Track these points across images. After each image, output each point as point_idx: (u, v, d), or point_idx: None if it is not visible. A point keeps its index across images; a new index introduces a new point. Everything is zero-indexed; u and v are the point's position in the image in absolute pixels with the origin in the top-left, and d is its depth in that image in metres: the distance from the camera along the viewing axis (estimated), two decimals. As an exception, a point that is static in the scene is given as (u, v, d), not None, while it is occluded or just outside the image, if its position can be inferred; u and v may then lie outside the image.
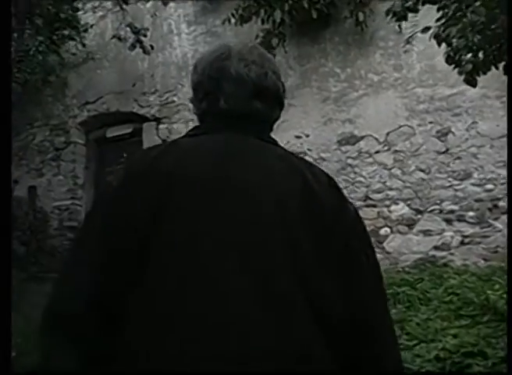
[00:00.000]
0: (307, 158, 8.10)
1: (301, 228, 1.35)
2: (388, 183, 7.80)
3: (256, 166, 1.42)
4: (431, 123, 7.62)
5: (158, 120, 9.85)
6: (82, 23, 9.60)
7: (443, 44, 4.37)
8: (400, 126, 7.81)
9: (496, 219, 7.07)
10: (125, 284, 1.29)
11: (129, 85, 10.10)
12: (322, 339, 1.30)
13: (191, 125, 7.14)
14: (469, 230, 7.20)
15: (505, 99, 6.48)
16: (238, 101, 1.47)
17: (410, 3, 4.64)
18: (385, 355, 1.42)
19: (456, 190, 7.32)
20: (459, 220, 7.27)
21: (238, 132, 1.46)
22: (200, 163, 1.39)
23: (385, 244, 7.71)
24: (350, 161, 8.10)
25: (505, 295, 4.82)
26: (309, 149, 8.36)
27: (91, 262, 1.34)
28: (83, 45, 9.58)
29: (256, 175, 1.39)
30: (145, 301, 1.28)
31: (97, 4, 10.54)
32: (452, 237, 7.27)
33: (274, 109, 1.56)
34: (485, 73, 4.29)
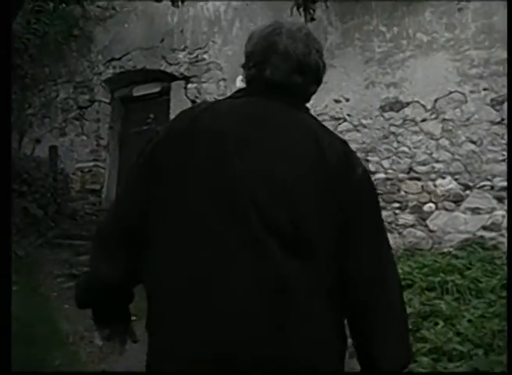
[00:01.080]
0: (346, 124, 7.93)
1: (308, 191, 1.55)
2: (434, 155, 7.40)
3: (275, 130, 1.64)
4: (485, 89, 7.14)
5: (187, 79, 9.61)
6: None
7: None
8: (450, 93, 7.36)
9: (553, 198, 6.57)
10: (153, 220, 1.61)
11: (157, 41, 9.86)
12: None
13: (222, 85, 6.77)
14: (522, 209, 6.74)
15: None
16: (282, 72, 1.69)
17: None
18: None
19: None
20: (512, 198, 6.81)
21: (275, 99, 1.68)
22: (228, 124, 1.63)
23: (428, 222, 7.31)
24: (393, 129, 7.72)
25: None
26: (349, 115, 7.98)
27: (129, 200, 1.71)
28: None
29: (273, 139, 1.62)
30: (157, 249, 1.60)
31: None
32: (503, 216, 6.80)
33: (312, 84, 1.78)
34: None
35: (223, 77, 9.00)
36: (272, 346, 1.44)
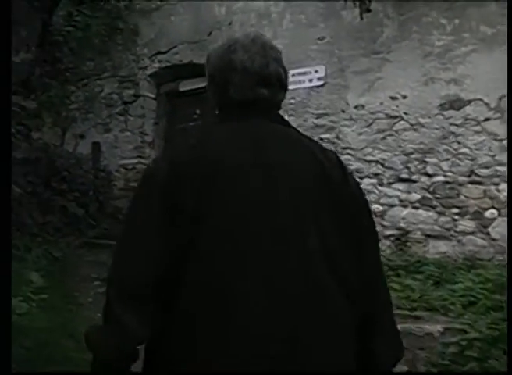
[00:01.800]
0: (402, 123, 7.60)
1: (326, 213, 1.66)
2: (498, 158, 7.04)
3: (277, 151, 1.70)
4: (555, 86, 6.70)
5: None
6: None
7: None
8: (516, 89, 6.94)
9: None
10: (178, 263, 1.59)
11: (204, 34, 9.68)
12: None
13: None
14: None
15: None
16: (245, 89, 1.75)
17: None
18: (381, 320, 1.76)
19: None
20: None
21: (253, 118, 1.74)
22: (234, 153, 1.67)
23: (490, 229, 6.98)
24: (453, 128, 7.40)
25: None
26: (405, 113, 7.66)
27: (150, 246, 1.61)
28: None
29: (279, 160, 1.68)
30: (196, 279, 1.58)
31: None
32: None
33: (278, 93, 1.82)
34: None
35: (272, 72, 8.75)
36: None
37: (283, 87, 1.84)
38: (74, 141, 10.47)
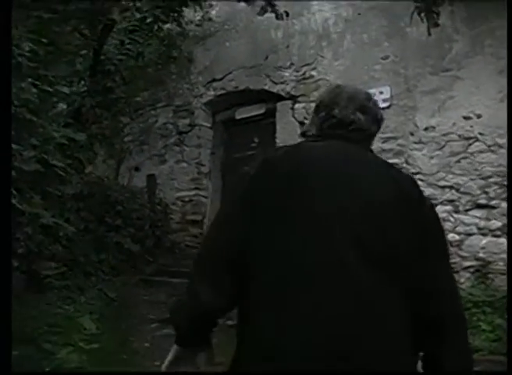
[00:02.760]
0: (478, 144, 7.13)
1: (399, 228, 1.82)
2: None
3: (362, 168, 1.93)
4: None
5: (294, 99, 9.17)
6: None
7: None
8: None
9: None
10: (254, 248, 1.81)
11: (261, 58, 9.52)
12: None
13: None
14: None
15: None
16: (347, 111, 2.06)
17: None
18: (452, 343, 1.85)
19: None
20: None
21: (345, 139, 2.02)
22: (319, 162, 1.91)
23: None
24: (536, 148, 6.86)
25: None
26: (481, 133, 7.16)
27: (230, 235, 1.85)
28: (201, 8, 8.88)
29: (364, 176, 1.89)
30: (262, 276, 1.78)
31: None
32: None
33: (371, 124, 2.10)
34: None
35: (333, 96, 8.43)
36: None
37: (378, 122, 2.13)
38: (129, 174, 10.35)
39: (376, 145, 7.97)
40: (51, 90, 4.63)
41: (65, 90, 5.28)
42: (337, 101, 2.09)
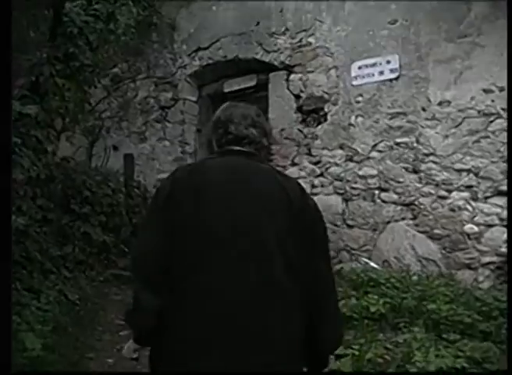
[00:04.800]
0: (500, 121, 6.32)
1: (286, 226, 2.27)
2: None
3: (251, 179, 2.37)
4: None
5: (288, 69, 8.56)
6: None
7: None
8: None
9: None
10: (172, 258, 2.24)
11: (251, 24, 8.92)
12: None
13: (333, 74, 6.68)
14: None
15: None
16: (242, 127, 2.51)
17: None
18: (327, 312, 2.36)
19: None
20: None
21: (241, 153, 2.47)
22: (216, 177, 2.35)
23: None
24: None
25: None
26: (503, 109, 6.42)
27: (154, 237, 2.28)
28: None
29: (255, 185, 2.34)
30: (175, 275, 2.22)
31: None
32: None
33: (262, 138, 2.55)
34: None
35: (335, 65, 7.83)
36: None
37: (266, 135, 2.57)
38: (104, 154, 9.73)
39: (382, 122, 7.16)
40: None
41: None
42: (231, 118, 2.52)
